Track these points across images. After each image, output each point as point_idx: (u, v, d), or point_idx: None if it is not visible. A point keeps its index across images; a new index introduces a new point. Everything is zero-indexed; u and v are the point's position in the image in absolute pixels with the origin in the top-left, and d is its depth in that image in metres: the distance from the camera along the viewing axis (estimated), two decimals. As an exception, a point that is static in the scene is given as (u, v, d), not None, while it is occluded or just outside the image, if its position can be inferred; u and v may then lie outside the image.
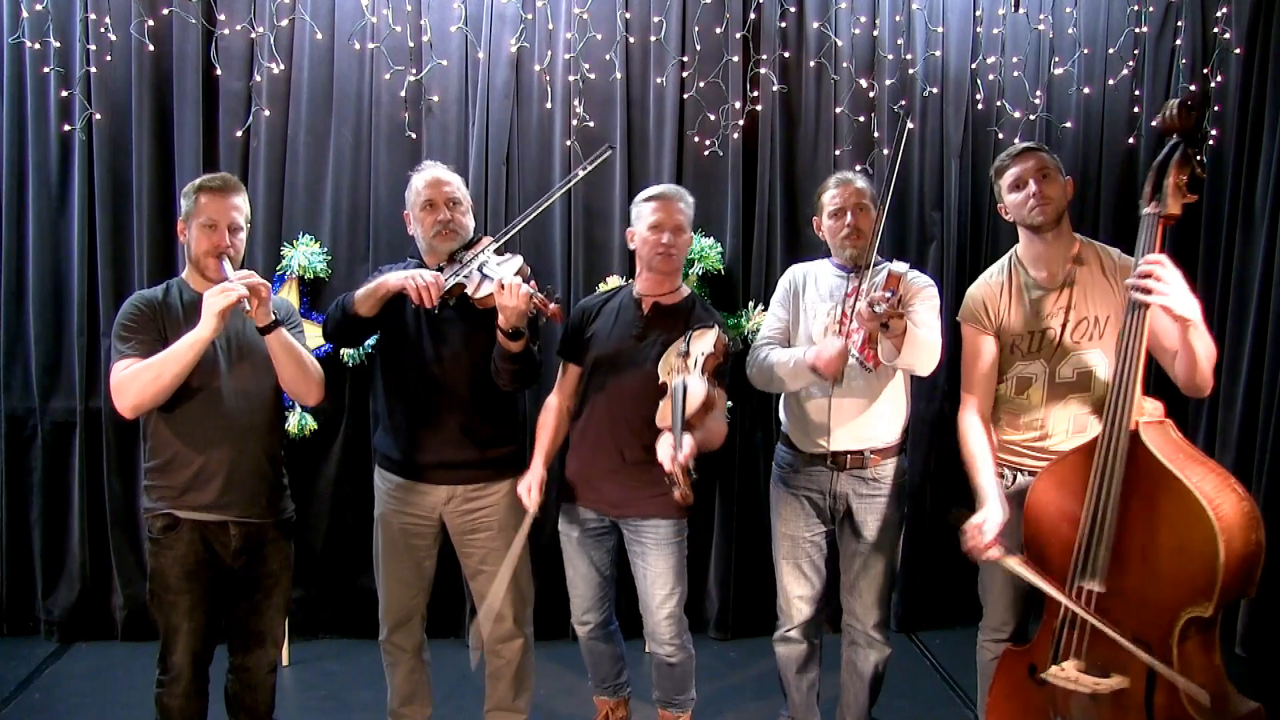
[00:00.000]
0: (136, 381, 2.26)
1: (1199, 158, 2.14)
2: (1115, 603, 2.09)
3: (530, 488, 2.58)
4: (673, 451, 2.30)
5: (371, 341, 2.69)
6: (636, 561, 2.67)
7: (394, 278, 2.48)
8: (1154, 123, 3.75)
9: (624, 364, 2.60)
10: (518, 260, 2.51)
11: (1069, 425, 2.44)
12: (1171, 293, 2.05)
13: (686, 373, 2.45)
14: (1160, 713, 2.04)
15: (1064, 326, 2.43)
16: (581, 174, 2.85)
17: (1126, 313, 2.12)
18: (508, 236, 2.58)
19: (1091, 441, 2.16)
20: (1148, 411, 2.13)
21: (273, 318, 2.31)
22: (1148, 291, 2.05)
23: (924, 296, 2.60)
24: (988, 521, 2.31)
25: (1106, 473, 2.08)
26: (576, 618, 2.76)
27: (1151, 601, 2.05)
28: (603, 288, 3.59)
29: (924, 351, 2.44)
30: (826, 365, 2.44)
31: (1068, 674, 2.13)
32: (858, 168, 3.70)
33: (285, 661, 3.50)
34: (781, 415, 2.81)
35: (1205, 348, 2.17)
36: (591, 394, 2.65)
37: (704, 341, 2.50)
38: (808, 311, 2.70)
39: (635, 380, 2.57)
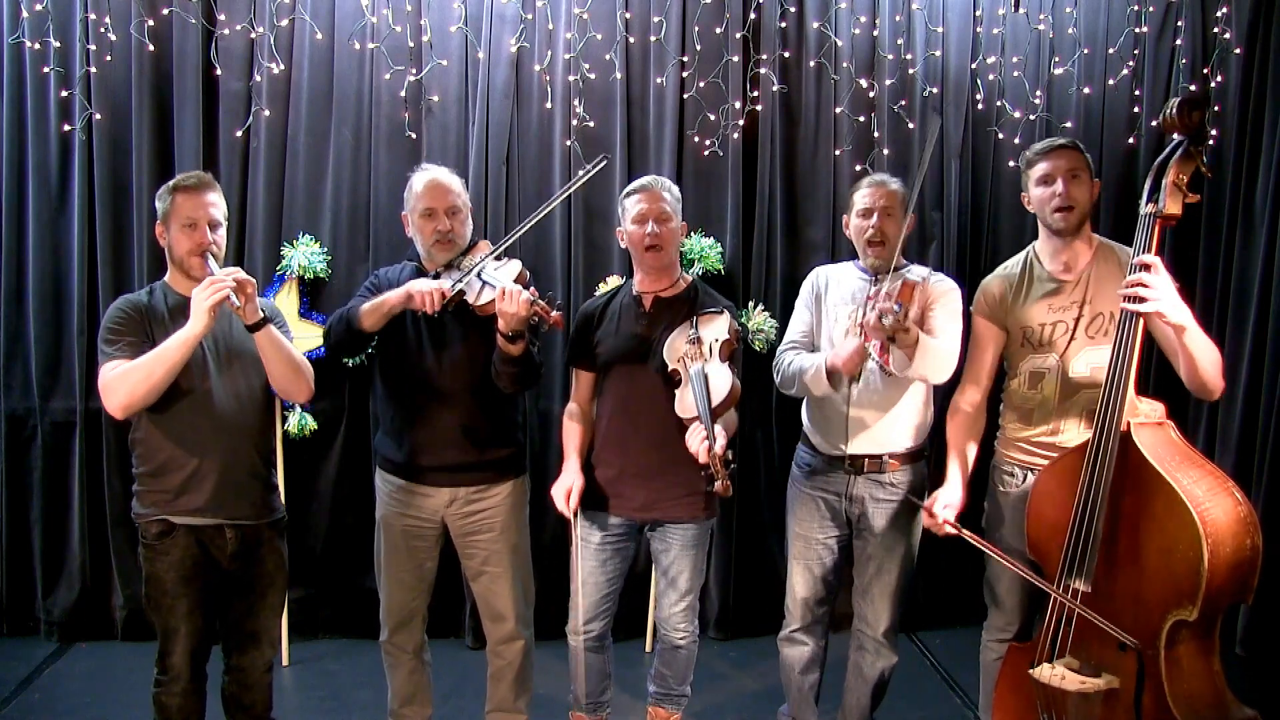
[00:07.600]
0: (127, 380, 2.25)
1: (1203, 157, 2.13)
2: (1103, 603, 2.10)
3: (569, 491, 2.56)
4: (706, 442, 2.28)
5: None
6: (660, 559, 2.66)
7: (395, 295, 2.46)
8: (1154, 122, 3.75)
9: (634, 364, 2.58)
10: (516, 265, 2.50)
11: (1081, 422, 2.44)
12: (1163, 299, 2.05)
13: (703, 359, 2.41)
14: (1148, 714, 2.05)
15: (1078, 321, 2.43)
16: (577, 184, 2.80)
17: (1120, 317, 2.13)
18: (506, 245, 2.57)
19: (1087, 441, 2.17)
20: (1143, 412, 2.13)
21: (261, 315, 2.31)
22: (1140, 300, 2.06)
23: (945, 301, 2.55)
24: (941, 499, 2.48)
25: (1096, 472, 2.09)
26: (576, 626, 2.64)
27: (1138, 602, 2.06)
28: (603, 288, 3.59)
29: (937, 361, 2.41)
30: (845, 363, 2.45)
31: (1054, 672, 2.15)
32: (858, 167, 3.70)
33: (285, 661, 3.50)
34: (804, 416, 2.80)
35: (1204, 351, 2.16)
36: (607, 398, 2.64)
37: (715, 327, 2.47)
38: (829, 314, 2.69)
39: (647, 380, 2.56)
